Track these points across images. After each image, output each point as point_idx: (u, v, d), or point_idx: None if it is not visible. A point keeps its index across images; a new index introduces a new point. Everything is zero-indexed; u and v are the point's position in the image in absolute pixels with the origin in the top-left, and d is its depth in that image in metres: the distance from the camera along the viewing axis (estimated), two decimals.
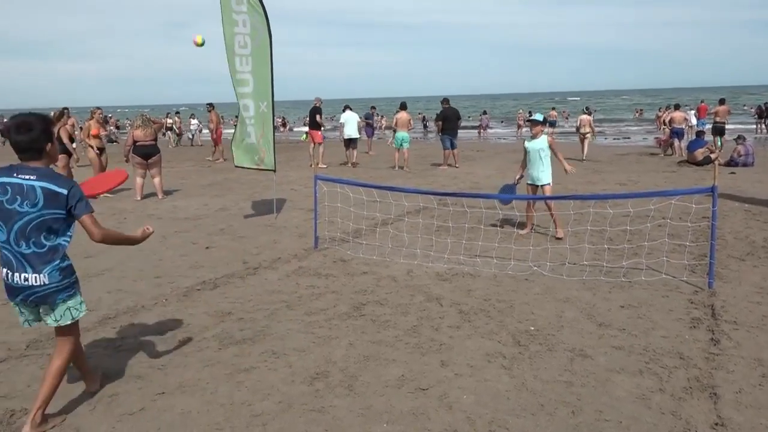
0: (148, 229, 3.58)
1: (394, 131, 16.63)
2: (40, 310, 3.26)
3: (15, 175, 3.08)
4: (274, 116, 8.99)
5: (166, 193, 11.65)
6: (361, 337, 4.51)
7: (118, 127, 41.34)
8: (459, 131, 16.67)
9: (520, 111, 40.81)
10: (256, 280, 5.99)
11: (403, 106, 16.73)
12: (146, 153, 10.94)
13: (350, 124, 17.32)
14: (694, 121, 22.63)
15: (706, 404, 3.46)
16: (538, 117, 7.64)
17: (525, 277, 5.91)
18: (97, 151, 11.77)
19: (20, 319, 3.34)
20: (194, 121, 29.79)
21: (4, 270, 3.15)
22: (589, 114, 19.70)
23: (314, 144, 16.73)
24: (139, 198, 11.05)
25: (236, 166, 9.22)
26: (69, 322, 3.28)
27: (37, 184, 3.06)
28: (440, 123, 16.63)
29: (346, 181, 7.85)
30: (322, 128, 17.22)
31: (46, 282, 3.15)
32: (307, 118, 17.70)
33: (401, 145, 15.91)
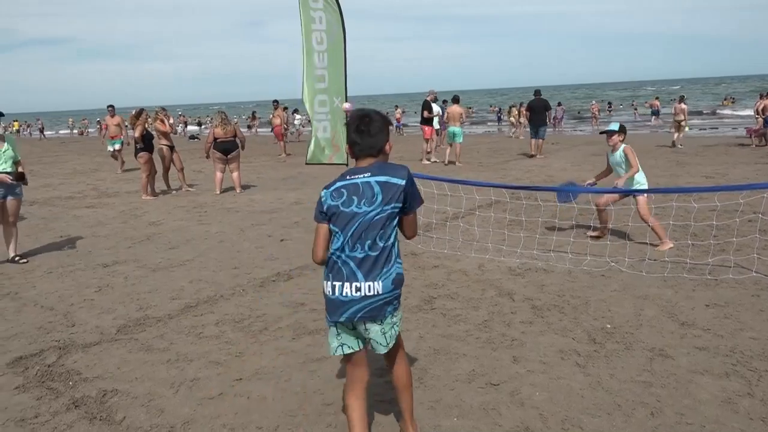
0: None
1: (447, 125, 16.62)
2: (368, 331, 2.76)
3: (348, 177, 2.75)
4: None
5: (244, 187, 12.07)
6: (432, 330, 4.52)
7: (200, 124, 43.05)
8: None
9: (593, 102, 39.49)
10: None
11: (455, 100, 16.66)
12: (226, 149, 11.43)
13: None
14: None
15: None
16: (614, 127, 6.78)
17: (601, 273, 5.72)
18: (168, 149, 12.27)
19: (333, 344, 2.82)
20: (297, 116, 29.04)
21: (330, 283, 2.73)
22: (684, 103, 19.36)
23: (426, 138, 16.54)
24: (218, 192, 11.50)
25: (307, 164, 9.41)
26: (394, 342, 2.85)
27: (372, 179, 2.70)
28: (528, 113, 17.41)
29: (416, 175, 7.84)
30: (434, 122, 17.24)
31: (380, 291, 2.68)
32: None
33: (453, 139, 15.70)
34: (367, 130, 2.75)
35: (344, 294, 2.68)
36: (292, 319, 4.83)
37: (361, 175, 2.72)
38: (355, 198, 2.68)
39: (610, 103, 48.95)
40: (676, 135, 18.28)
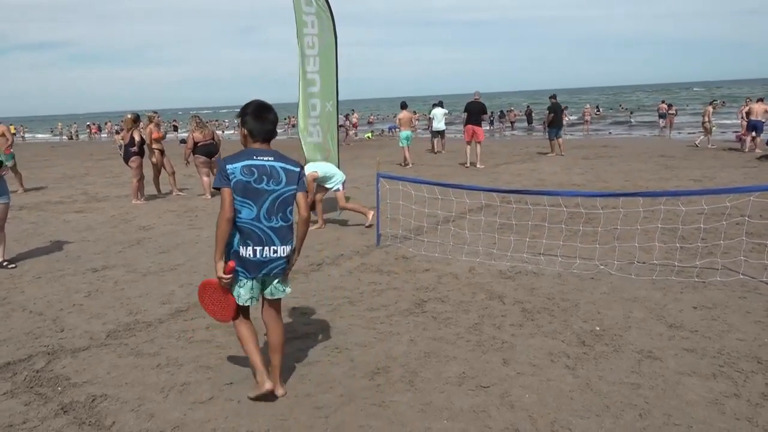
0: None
1: (399, 130, 17.26)
2: (274, 282, 3.48)
3: (255, 157, 3.30)
4: (338, 116, 9.16)
5: None
6: (422, 333, 4.53)
7: (176, 128, 42.97)
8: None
9: (587, 106, 39.75)
10: (319, 276, 6.11)
11: (403, 106, 17.92)
12: (209, 152, 11.33)
13: (438, 118, 19.86)
14: None
15: None
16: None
17: (591, 276, 5.76)
18: (158, 153, 12.26)
19: (245, 296, 3.45)
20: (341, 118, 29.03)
21: (251, 248, 3.31)
22: (711, 105, 20.88)
23: (476, 142, 15.80)
24: (209, 196, 11.46)
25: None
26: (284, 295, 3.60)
27: (276, 164, 3.32)
28: (552, 116, 18.39)
29: (408, 179, 7.88)
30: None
31: (288, 253, 3.42)
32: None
33: (407, 142, 16.76)
34: (267, 117, 3.38)
35: (264, 255, 3.34)
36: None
37: (265, 158, 3.32)
38: (265, 177, 3.29)
39: (598, 107, 49.42)
40: (702, 137, 19.65)
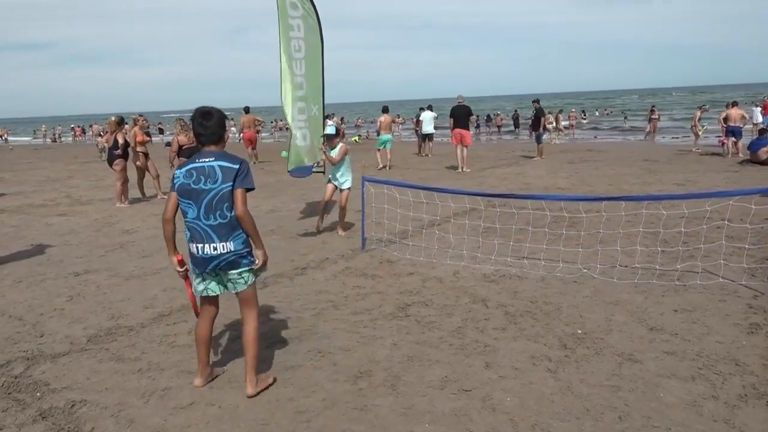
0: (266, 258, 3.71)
1: (378, 133, 17.46)
2: (228, 278, 3.63)
3: (197, 160, 3.54)
4: (324, 119, 9.13)
5: None
6: (406, 337, 4.54)
7: (162, 131, 42.56)
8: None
9: (573, 110, 40.05)
10: (303, 280, 6.10)
11: (385, 110, 18.22)
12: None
13: (427, 122, 20.00)
14: (759, 118, 21.65)
15: (762, 413, 3.32)
16: (331, 131, 8.14)
17: (574, 280, 5.81)
18: (143, 156, 12.18)
19: (200, 288, 3.71)
20: (330, 122, 28.58)
21: (195, 245, 3.54)
22: (699, 110, 21.41)
23: (463, 146, 15.50)
24: None
25: (289, 172, 9.31)
26: (251, 283, 3.69)
27: (215, 163, 3.50)
28: (544, 120, 18.92)
29: (393, 183, 7.89)
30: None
31: (232, 249, 3.52)
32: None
33: (384, 145, 17.14)
34: (207, 123, 3.57)
35: (206, 252, 3.53)
36: (265, 327, 4.81)
37: (206, 160, 3.52)
38: (202, 177, 3.48)
39: (584, 111, 49.94)
40: (697, 141, 19.99)
